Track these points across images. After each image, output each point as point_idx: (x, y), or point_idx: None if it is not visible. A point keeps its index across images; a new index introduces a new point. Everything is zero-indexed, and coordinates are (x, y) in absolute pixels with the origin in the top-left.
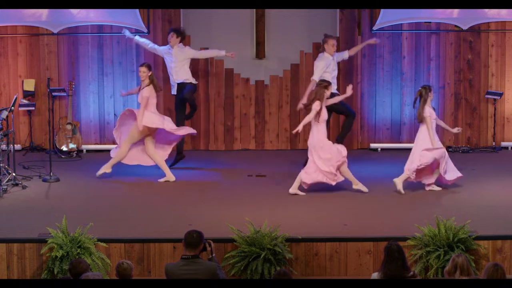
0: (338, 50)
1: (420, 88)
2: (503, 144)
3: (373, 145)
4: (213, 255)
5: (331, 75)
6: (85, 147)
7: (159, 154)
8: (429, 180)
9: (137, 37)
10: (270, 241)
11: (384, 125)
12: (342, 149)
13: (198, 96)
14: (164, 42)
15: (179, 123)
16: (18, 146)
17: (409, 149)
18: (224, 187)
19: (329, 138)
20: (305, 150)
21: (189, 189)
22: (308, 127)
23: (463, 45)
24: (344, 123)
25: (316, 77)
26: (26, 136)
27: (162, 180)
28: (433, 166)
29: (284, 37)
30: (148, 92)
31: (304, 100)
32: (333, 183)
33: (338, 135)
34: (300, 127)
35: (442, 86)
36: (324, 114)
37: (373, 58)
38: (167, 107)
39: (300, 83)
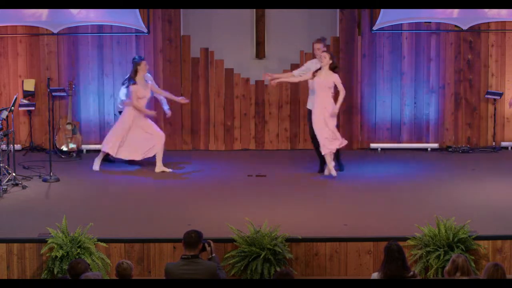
0: (338, 50)
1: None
2: (503, 144)
3: (373, 145)
4: (213, 255)
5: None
6: (85, 147)
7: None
8: None
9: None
10: (270, 241)
11: (384, 125)
12: None
13: (198, 96)
14: (164, 43)
15: None
16: (18, 146)
17: (409, 149)
18: (224, 187)
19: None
20: (305, 150)
21: (189, 189)
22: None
23: (463, 45)
24: None
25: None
26: (26, 136)
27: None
28: None
29: (284, 37)
30: None
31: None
32: None
33: None
34: None
35: (442, 86)
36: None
37: (373, 58)
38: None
39: (300, 83)
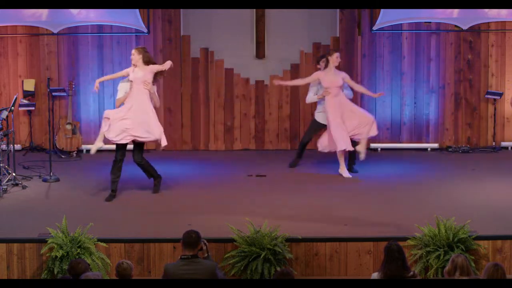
0: (338, 51)
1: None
2: (503, 144)
3: (373, 145)
4: (209, 253)
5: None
6: (85, 147)
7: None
8: None
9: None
10: (270, 241)
11: (384, 125)
12: None
13: (198, 96)
14: (164, 43)
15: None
16: (18, 146)
17: (409, 149)
18: (224, 187)
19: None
20: (305, 150)
21: (189, 189)
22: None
23: (463, 45)
24: None
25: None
26: (26, 136)
27: None
28: None
29: (284, 37)
30: None
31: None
32: None
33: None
34: None
35: (442, 86)
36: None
37: (373, 58)
38: (167, 107)
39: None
